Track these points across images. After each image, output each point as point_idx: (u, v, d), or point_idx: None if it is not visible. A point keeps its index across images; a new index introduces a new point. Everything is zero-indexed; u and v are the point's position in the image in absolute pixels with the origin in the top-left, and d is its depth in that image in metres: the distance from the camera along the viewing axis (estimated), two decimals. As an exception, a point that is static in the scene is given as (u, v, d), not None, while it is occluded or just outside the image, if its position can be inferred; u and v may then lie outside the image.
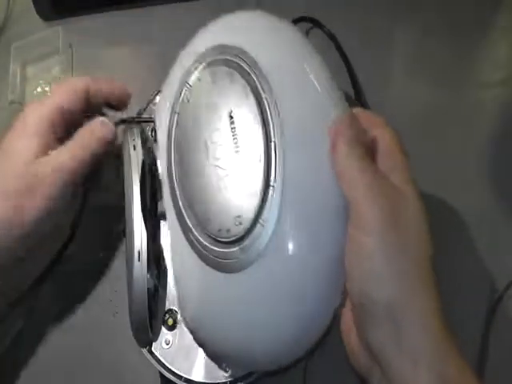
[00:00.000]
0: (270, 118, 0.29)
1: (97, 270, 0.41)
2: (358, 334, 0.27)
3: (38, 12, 0.53)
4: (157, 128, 0.36)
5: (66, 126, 0.35)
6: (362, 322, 0.27)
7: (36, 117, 0.34)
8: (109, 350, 0.38)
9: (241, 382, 0.33)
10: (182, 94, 0.33)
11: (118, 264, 0.41)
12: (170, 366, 0.34)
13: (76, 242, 0.40)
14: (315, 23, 0.47)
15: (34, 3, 0.53)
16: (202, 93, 0.32)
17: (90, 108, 0.36)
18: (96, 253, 0.42)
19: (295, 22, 0.46)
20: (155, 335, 0.35)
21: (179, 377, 0.34)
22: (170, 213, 0.33)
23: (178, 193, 0.32)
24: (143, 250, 0.33)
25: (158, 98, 0.40)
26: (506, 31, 0.50)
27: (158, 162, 0.36)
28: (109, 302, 0.39)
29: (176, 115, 0.33)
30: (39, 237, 0.33)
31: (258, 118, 0.29)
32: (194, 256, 0.30)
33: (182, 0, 0.53)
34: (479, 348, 0.36)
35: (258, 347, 0.29)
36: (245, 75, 0.30)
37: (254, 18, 0.34)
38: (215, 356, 0.33)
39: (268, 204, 0.27)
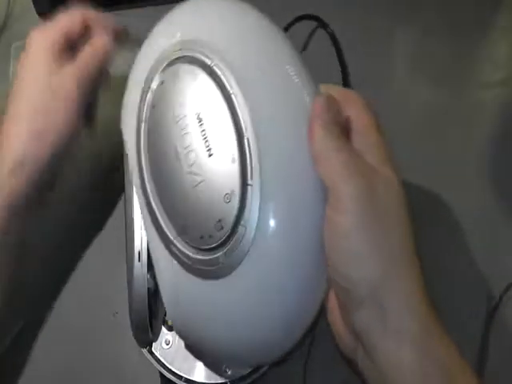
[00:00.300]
0: (239, 113, 0.27)
1: (97, 270, 0.41)
2: (342, 315, 0.27)
3: (38, 12, 0.53)
4: (125, 140, 0.34)
5: (70, 49, 0.37)
6: (345, 304, 0.26)
7: (42, 42, 0.36)
8: (109, 350, 0.38)
9: (241, 382, 0.33)
10: (147, 100, 0.31)
11: (118, 264, 0.41)
12: (170, 366, 0.34)
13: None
14: (319, 21, 0.47)
15: (34, 3, 0.53)
16: (166, 96, 0.30)
17: (89, 32, 0.38)
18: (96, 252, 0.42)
19: (297, 19, 0.46)
20: (155, 335, 0.35)
21: (179, 377, 0.34)
22: (149, 227, 0.31)
23: (154, 206, 0.30)
24: (143, 250, 0.33)
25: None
26: (506, 31, 0.50)
27: (131, 175, 0.33)
28: (109, 302, 0.39)
29: (142, 124, 0.31)
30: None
31: (228, 116, 0.27)
32: (178, 267, 0.29)
33: (182, 0, 0.53)
34: (479, 348, 0.36)
35: (249, 347, 0.29)
36: (208, 71, 0.29)
37: (213, 5, 0.32)
38: (209, 361, 0.33)
39: (248, 204, 0.26)
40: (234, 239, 0.27)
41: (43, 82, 0.36)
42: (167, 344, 0.35)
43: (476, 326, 0.36)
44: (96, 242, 0.42)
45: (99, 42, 0.38)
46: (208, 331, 0.29)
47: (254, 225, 0.26)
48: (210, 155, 0.28)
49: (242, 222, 0.27)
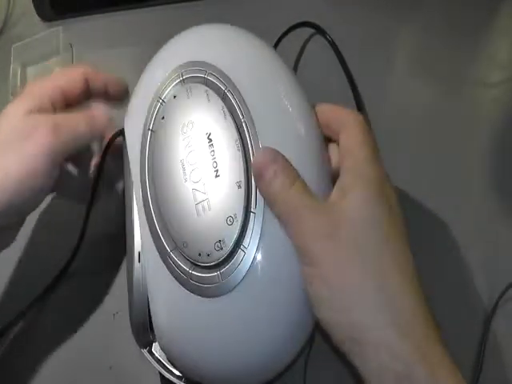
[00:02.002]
0: (249, 142, 0.28)
1: (97, 270, 0.41)
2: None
3: (37, 13, 0.54)
4: (127, 145, 0.34)
5: (65, 107, 0.35)
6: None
7: (37, 91, 0.34)
8: (109, 350, 0.38)
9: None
10: (156, 111, 0.32)
11: (117, 263, 0.41)
12: (170, 367, 0.34)
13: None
14: (317, 28, 0.46)
15: (33, 4, 0.53)
16: (177, 110, 0.31)
17: (88, 94, 0.37)
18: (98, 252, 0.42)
19: (295, 26, 0.45)
20: (155, 336, 0.35)
21: (179, 377, 0.34)
22: (146, 235, 0.31)
23: (153, 215, 0.31)
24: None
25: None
26: (506, 31, 0.50)
27: (131, 181, 0.33)
28: (109, 303, 0.39)
29: (150, 132, 0.32)
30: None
31: (238, 143, 0.28)
32: (173, 280, 0.29)
33: (182, 0, 0.53)
34: (478, 349, 0.36)
35: (237, 369, 0.29)
36: (222, 95, 0.30)
37: (228, 33, 0.33)
38: (195, 378, 0.32)
39: (249, 230, 0.27)
40: (232, 261, 0.28)
41: (19, 120, 0.33)
42: (167, 344, 0.35)
43: (475, 326, 0.36)
44: (96, 242, 0.42)
45: (98, 119, 0.36)
46: (193, 346, 0.29)
47: (254, 251, 0.27)
48: (217, 176, 0.29)
49: (241, 246, 0.27)
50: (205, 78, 0.31)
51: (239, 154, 0.28)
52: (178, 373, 0.34)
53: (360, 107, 0.43)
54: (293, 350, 0.30)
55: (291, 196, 0.27)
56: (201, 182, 0.29)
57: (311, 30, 0.44)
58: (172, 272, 0.29)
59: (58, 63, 0.51)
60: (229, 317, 0.28)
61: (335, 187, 0.28)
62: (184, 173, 0.30)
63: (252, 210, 0.28)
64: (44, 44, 0.51)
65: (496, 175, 0.42)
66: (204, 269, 0.28)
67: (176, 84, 0.32)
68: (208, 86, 0.30)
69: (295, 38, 0.45)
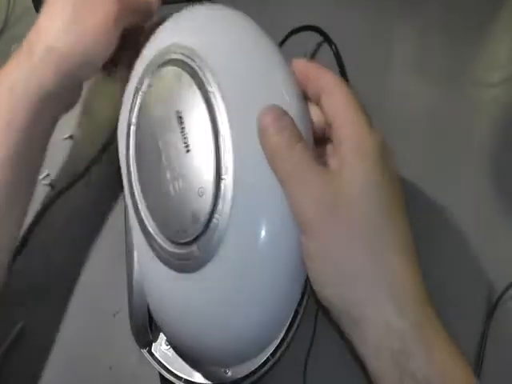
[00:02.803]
0: (217, 112, 0.29)
1: (97, 269, 0.41)
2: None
3: (37, 13, 0.53)
4: (119, 142, 0.35)
5: None
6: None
7: None
8: (109, 350, 0.38)
9: (241, 383, 0.33)
10: (136, 103, 0.33)
11: (118, 263, 0.41)
12: (169, 367, 0.34)
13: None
14: (320, 33, 0.45)
15: (33, 4, 0.53)
16: (152, 98, 0.32)
17: None
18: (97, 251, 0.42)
19: (297, 30, 0.45)
20: (155, 336, 0.35)
21: (179, 378, 0.34)
22: (134, 223, 0.32)
23: (138, 203, 0.32)
24: None
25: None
26: (506, 31, 0.50)
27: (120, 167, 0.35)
28: (109, 302, 0.39)
29: (132, 127, 0.33)
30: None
31: (206, 114, 0.29)
32: (158, 262, 0.30)
33: (182, 0, 0.53)
34: (478, 349, 0.36)
35: (225, 344, 0.30)
36: (192, 73, 0.30)
37: (203, 13, 0.34)
38: (186, 355, 0.33)
39: (221, 197, 0.27)
40: (207, 232, 0.28)
41: None
42: (167, 345, 0.35)
43: (475, 326, 0.36)
44: (96, 242, 0.42)
45: None
46: (183, 324, 0.30)
47: (227, 218, 0.27)
48: (188, 151, 0.29)
49: (215, 216, 0.27)
50: (176, 60, 0.31)
51: (207, 125, 0.28)
52: (178, 373, 0.34)
53: None
54: (278, 318, 0.30)
55: (296, 154, 0.27)
56: (174, 160, 0.30)
57: (315, 36, 0.44)
58: (157, 254, 0.30)
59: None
60: (211, 288, 0.28)
61: (335, 157, 0.28)
62: (160, 154, 0.30)
63: (223, 176, 0.28)
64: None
65: (496, 175, 0.42)
66: (184, 245, 0.29)
67: (152, 73, 0.32)
68: (179, 67, 0.31)
69: (299, 42, 0.45)
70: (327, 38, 0.43)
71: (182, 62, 0.31)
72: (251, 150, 0.28)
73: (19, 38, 0.52)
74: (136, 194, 0.32)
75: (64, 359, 0.38)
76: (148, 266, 0.32)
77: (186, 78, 0.30)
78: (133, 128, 0.33)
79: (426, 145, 0.44)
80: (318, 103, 0.30)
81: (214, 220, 0.28)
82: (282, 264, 0.28)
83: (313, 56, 0.48)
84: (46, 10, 0.35)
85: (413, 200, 0.41)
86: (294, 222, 0.27)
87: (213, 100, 0.29)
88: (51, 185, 0.43)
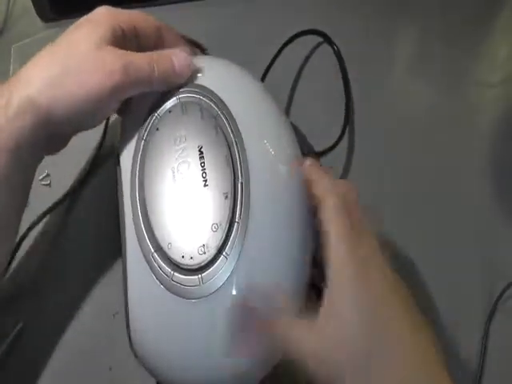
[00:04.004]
0: (238, 159, 0.31)
1: (96, 269, 0.41)
2: None
3: (37, 13, 0.53)
4: (120, 152, 0.35)
5: (138, 45, 0.34)
6: None
7: (110, 20, 0.32)
8: (108, 349, 0.38)
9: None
10: (151, 123, 0.33)
11: (117, 263, 0.41)
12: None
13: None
14: (323, 36, 0.45)
15: (33, 4, 0.53)
16: (172, 123, 0.33)
17: (161, 44, 0.35)
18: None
19: (301, 34, 0.44)
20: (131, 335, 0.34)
21: None
22: (130, 237, 0.32)
23: (140, 216, 0.32)
24: None
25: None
26: (505, 31, 0.50)
27: (121, 185, 0.34)
28: (109, 303, 0.39)
29: (143, 142, 0.33)
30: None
31: (228, 159, 0.31)
32: (154, 280, 0.30)
33: (182, 0, 0.53)
34: (478, 348, 0.36)
35: (213, 372, 0.30)
36: (215, 114, 0.32)
37: (225, 65, 0.36)
38: (167, 377, 0.32)
39: (232, 238, 0.29)
40: (213, 266, 0.29)
41: (90, 50, 0.31)
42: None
43: (475, 325, 0.36)
44: (96, 242, 0.42)
45: (182, 56, 0.34)
46: (168, 345, 0.30)
47: (235, 259, 0.29)
48: (206, 186, 0.31)
49: (224, 253, 0.29)
50: (199, 99, 0.33)
51: (227, 168, 0.31)
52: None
53: (347, 121, 0.43)
54: (266, 360, 0.30)
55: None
56: (190, 190, 0.31)
57: (317, 37, 0.44)
58: (154, 272, 0.30)
59: (57, 63, 0.51)
60: (205, 319, 0.29)
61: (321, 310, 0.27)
62: (174, 179, 0.31)
63: (236, 220, 0.29)
64: (44, 44, 0.51)
65: (496, 175, 0.42)
66: (186, 271, 0.30)
67: (171, 100, 0.33)
68: (202, 106, 0.33)
69: (300, 45, 0.45)
70: (329, 41, 0.43)
71: (206, 102, 0.33)
72: (266, 199, 0.30)
73: (19, 38, 0.52)
74: (139, 209, 0.32)
75: (63, 359, 0.38)
76: (140, 283, 0.32)
77: (209, 116, 0.32)
78: (143, 143, 0.33)
79: (426, 144, 0.44)
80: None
81: (223, 258, 0.29)
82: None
83: (314, 59, 0.48)
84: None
85: (412, 200, 0.41)
86: (299, 274, 0.30)
87: (234, 147, 0.31)
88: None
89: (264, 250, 0.30)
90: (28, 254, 0.41)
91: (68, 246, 0.41)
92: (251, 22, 0.49)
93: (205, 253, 0.29)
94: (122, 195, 0.33)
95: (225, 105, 0.32)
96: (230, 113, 0.32)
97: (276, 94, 0.36)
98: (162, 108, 0.34)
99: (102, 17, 0.33)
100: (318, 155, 0.42)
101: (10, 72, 0.50)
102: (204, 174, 0.31)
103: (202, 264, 0.29)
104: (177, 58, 0.33)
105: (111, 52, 0.32)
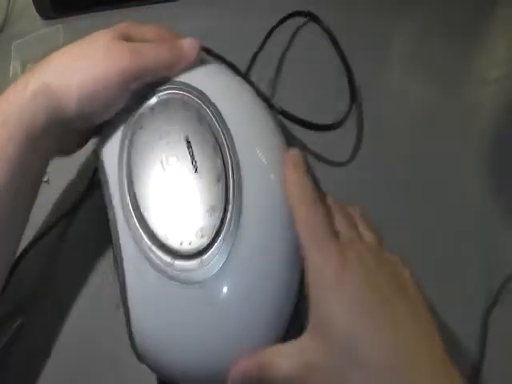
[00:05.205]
0: (225, 145, 0.32)
1: (99, 261, 0.41)
2: None
3: (37, 11, 0.54)
4: (104, 154, 0.35)
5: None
6: None
7: (131, 30, 0.34)
8: (111, 341, 0.38)
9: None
10: (134, 121, 0.34)
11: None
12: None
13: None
14: (312, 17, 0.48)
15: (33, 2, 0.53)
16: (155, 120, 0.33)
17: None
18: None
19: (290, 16, 0.46)
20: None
21: None
22: (125, 237, 0.32)
23: (132, 213, 0.32)
24: None
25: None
26: (504, 30, 0.50)
27: (108, 187, 0.34)
28: (111, 294, 0.39)
29: (127, 141, 0.34)
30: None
31: (215, 145, 0.31)
32: (154, 274, 0.30)
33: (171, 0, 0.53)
34: (477, 347, 0.36)
35: (214, 355, 0.30)
36: (197, 106, 0.33)
37: (203, 61, 0.37)
38: (169, 370, 0.32)
39: (228, 220, 0.30)
40: (212, 248, 0.30)
41: (104, 43, 0.33)
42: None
43: (475, 324, 0.36)
44: (97, 237, 0.42)
45: (189, 39, 0.35)
46: (172, 333, 0.30)
47: (233, 239, 0.29)
48: (196, 172, 0.31)
49: (221, 235, 0.30)
50: (181, 94, 0.34)
51: (217, 154, 0.31)
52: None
53: (354, 94, 0.44)
54: (268, 337, 0.30)
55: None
56: (180, 177, 0.31)
57: (303, 20, 0.45)
58: (154, 266, 0.30)
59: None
60: (205, 303, 0.29)
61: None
62: (164, 170, 0.32)
63: (230, 201, 0.30)
64: (44, 42, 0.51)
65: (496, 175, 0.42)
66: (186, 257, 0.30)
67: (153, 99, 0.34)
68: (183, 100, 0.33)
69: (289, 28, 0.46)
70: (315, 19, 0.45)
71: (188, 96, 0.33)
72: (259, 181, 0.31)
73: (19, 36, 0.52)
74: (130, 205, 0.32)
75: (65, 350, 0.38)
76: (139, 276, 0.31)
77: (191, 107, 0.33)
78: (128, 142, 0.33)
79: (425, 143, 0.44)
80: None
81: (221, 239, 0.30)
82: (278, 286, 0.30)
83: (305, 43, 0.48)
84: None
85: (412, 199, 0.41)
86: (297, 254, 0.29)
87: (221, 135, 0.32)
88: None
89: (260, 228, 0.30)
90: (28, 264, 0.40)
91: (68, 249, 0.41)
92: (237, 12, 0.51)
93: (203, 236, 0.30)
94: (110, 197, 0.33)
95: (206, 96, 0.33)
96: (212, 103, 0.33)
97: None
98: (143, 107, 0.34)
99: (123, 27, 0.35)
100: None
101: (11, 69, 0.50)
102: (194, 162, 0.31)
103: (201, 248, 0.30)
104: (184, 41, 0.35)
105: (121, 42, 0.33)
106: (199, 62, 0.36)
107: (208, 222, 0.30)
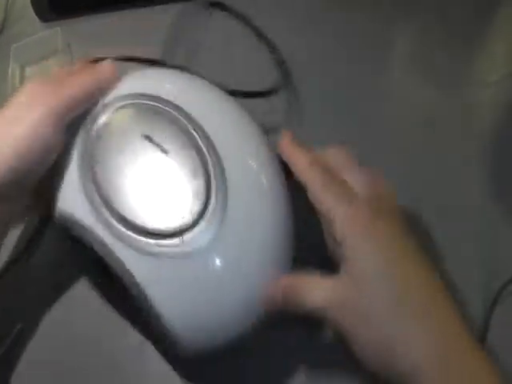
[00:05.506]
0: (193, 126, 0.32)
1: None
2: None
3: (36, 13, 0.54)
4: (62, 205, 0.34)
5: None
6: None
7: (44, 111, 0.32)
8: (112, 346, 0.38)
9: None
10: (90, 136, 0.33)
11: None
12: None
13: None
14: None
15: (32, 4, 0.53)
16: (113, 127, 0.33)
17: None
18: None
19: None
20: None
21: None
22: (116, 247, 0.31)
23: (111, 216, 0.31)
24: None
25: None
26: (503, 30, 0.50)
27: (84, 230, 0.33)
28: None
29: (86, 156, 0.33)
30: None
31: (183, 127, 0.32)
32: (133, 253, 0.30)
33: (180, 0, 0.53)
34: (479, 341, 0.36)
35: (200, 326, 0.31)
36: (151, 106, 0.33)
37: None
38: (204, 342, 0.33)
39: (212, 203, 0.30)
40: (194, 230, 0.30)
41: (23, 93, 0.32)
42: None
43: (474, 322, 0.36)
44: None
45: (103, 67, 0.35)
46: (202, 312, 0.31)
47: (216, 224, 0.30)
48: (168, 155, 0.31)
49: (204, 217, 0.30)
50: (130, 102, 0.34)
51: (186, 135, 0.32)
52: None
53: (280, 63, 0.46)
54: (247, 321, 0.31)
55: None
56: (153, 165, 0.31)
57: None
58: (138, 249, 0.30)
59: (56, 63, 0.51)
60: (189, 276, 0.30)
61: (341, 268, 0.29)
62: (135, 162, 0.31)
63: (213, 183, 0.30)
64: (43, 44, 0.51)
65: (496, 174, 0.42)
66: (164, 236, 0.30)
67: (107, 112, 0.34)
68: (134, 106, 0.33)
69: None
70: (233, 12, 0.48)
71: (145, 102, 0.33)
72: (238, 156, 0.32)
73: (17, 39, 0.52)
74: (101, 201, 0.32)
75: (67, 346, 0.38)
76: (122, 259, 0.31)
77: (160, 112, 0.33)
78: (86, 157, 0.33)
79: (426, 144, 0.44)
80: None
81: (202, 221, 0.30)
82: (251, 279, 0.31)
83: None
84: None
85: (412, 199, 0.41)
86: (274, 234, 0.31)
87: (192, 126, 0.32)
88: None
89: (245, 214, 0.31)
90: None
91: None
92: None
93: (184, 217, 0.30)
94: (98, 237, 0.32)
95: (161, 98, 0.33)
96: (168, 101, 0.33)
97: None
98: (98, 120, 0.33)
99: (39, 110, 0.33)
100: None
101: (9, 72, 0.50)
102: (163, 149, 0.31)
103: (183, 228, 0.30)
104: (100, 64, 0.36)
105: (40, 84, 0.33)
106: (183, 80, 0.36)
107: (190, 205, 0.30)
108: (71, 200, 0.33)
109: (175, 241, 0.30)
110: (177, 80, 0.36)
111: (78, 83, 0.33)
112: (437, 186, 0.42)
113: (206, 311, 0.30)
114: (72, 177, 0.33)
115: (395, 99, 0.47)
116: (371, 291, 0.27)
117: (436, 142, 0.44)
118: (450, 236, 0.40)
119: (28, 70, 0.52)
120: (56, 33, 0.51)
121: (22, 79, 0.51)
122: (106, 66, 0.35)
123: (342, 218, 0.29)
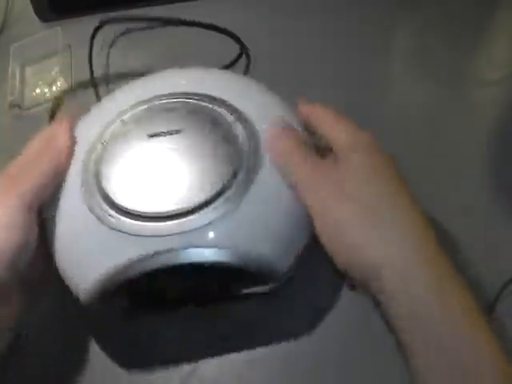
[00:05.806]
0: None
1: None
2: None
3: (36, 13, 0.54)
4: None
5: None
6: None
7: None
8: (112, 351, 0.38)
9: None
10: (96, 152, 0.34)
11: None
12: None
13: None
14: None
15: (32, 4, 0.53)
16: (123, 130, 0.34)
17: None
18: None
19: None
20: None
21: None
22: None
23: (103, 201, 0.32)
24: None
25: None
26: (505, 29, 0.50)
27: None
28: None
29: (93, 154, 0.33)
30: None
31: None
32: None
33: (181, 0, 0.53)
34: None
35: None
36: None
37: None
38: None
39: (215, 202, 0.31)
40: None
41: None
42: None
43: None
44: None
45: (60, 130, 0.34)
46: None
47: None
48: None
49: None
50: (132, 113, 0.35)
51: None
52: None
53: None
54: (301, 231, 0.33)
55: (303, 151, 0.33)
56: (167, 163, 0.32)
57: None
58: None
59: (56, 63, 0.51)
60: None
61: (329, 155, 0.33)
62: (142, 159, 0.33)
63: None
64: (43, 44, 0.52)
65: (496, 174, 0.42)
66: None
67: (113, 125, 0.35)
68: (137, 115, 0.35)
69: None
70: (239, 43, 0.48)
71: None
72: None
73: (18, 38, 0.52)
74: (100, 195, 0.32)
75: (65, 362, 0.38)
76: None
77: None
78: (94, 156, 0.33)
79: (426, 144, 0.44)
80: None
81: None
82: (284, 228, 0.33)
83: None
84: None
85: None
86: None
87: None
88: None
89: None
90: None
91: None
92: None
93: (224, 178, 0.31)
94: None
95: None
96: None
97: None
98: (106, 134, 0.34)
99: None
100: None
101: (9, 72, 0.51)
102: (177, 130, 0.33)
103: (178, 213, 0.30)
104: (56, 133, 0.34)
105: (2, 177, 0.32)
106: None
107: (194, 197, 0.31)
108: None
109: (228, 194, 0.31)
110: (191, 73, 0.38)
111: (39, 167, 0.32)
112: (437, 186, 0.42)
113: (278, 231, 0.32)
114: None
115: (395, 99, 0.47)
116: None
117: (436, 142, 0.44)
118: (450, 236, 0.40)
119: (28, 70, 0.52)
120: (56, 33, 0.51)
121: (22, 79, 0.51)
122: (61, 144, 0.33)
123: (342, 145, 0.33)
